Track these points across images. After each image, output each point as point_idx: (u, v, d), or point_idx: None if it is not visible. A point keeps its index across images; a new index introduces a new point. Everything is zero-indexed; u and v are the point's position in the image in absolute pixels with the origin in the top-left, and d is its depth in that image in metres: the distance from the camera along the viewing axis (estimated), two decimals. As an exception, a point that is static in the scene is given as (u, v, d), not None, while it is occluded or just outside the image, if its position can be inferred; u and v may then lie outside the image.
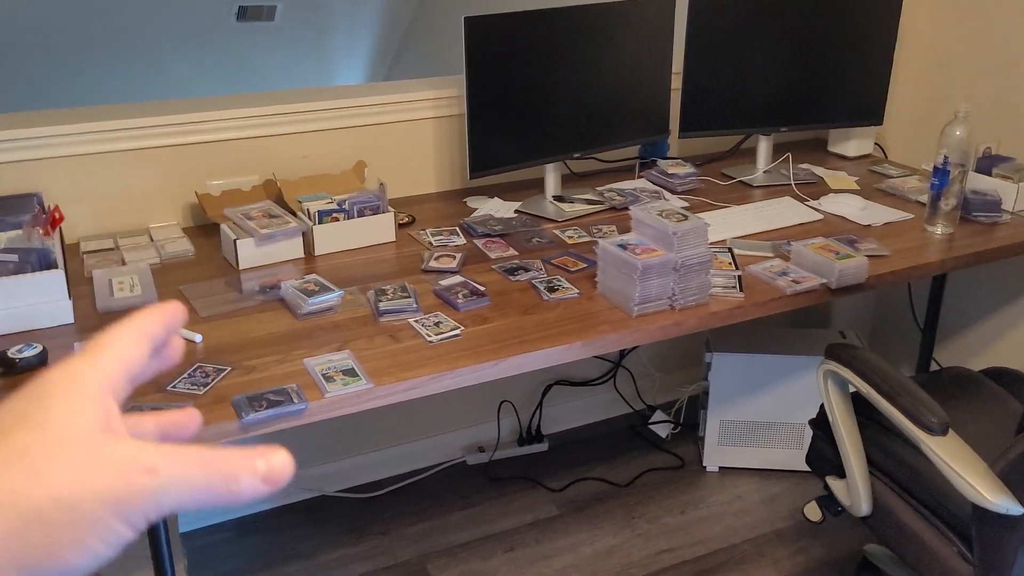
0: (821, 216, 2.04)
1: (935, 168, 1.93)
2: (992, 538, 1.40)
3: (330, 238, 1.82)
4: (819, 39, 2.26)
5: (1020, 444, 1.32)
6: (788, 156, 2.33)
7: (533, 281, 1.70)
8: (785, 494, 2.39)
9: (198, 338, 1.46)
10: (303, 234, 1.80)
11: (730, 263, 1.77)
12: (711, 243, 1.70)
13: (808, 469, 1.91)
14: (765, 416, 2.39)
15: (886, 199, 2.15)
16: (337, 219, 1.83)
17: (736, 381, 2.36)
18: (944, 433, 1.43)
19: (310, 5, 5.11)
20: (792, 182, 2.24)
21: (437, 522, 2.30)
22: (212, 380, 1.34)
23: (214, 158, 1.99)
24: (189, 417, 0.42)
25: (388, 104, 2.12)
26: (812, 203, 2.11)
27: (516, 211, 2.08)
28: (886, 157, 2.51)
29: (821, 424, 1.79)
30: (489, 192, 2.19)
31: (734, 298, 1.64)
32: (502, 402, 2.53)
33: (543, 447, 2.58)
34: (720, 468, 2.49)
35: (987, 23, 2.22)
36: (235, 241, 1.72)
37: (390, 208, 1.91)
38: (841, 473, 1.71)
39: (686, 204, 2.10)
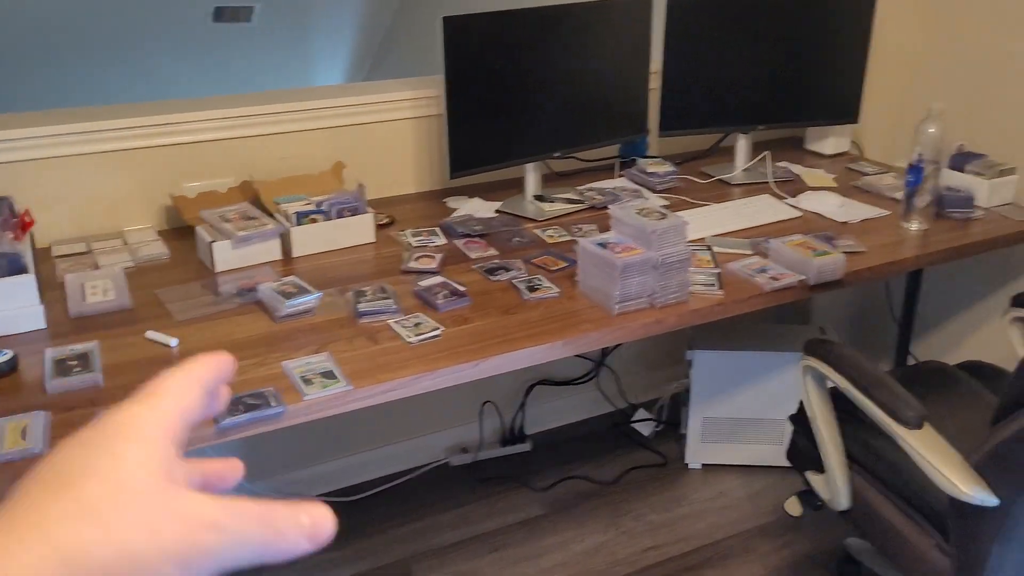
0: (799, 213, 2.05)
1: (910, 165, 1.94)
2: (968, 530, 1.42)
3: (308, 240, 1.81)
4: (795, 39, 2.28)
5: (995, 436, 1.33)
6: (766, 154, 2.35)
7: (514, 281, 1.69)
8: (768, 490, 2.40)
9: (173, 342, 1.45)
10: (281, 236, 1.79)
11: (709, 261, 1.78)
12: (691, 241, 1.71)
13: (789, 464, 1.92)
14: (747, 412, 2.40)
15: (862, 196, 2.16)
16: (315, 220, 1.82)
17: (717, 378, 2.37)
18: (920, 426, 1.44)
19: (288, 6, 5.09)
20: (770, 180, 2.25)
21: (422, 524, 2.29)
22: (189, 384, 1.33)
23: (189, 160, 1.97)
24: (232, 468, 0.41)
25: (367, 104, 2.12)
26: (790, 201, 2.13)
27: (496, 211, 2.08)
28: (862, 155, 2.53)
29: (801, 420, 1.80)
30: (469, 192, 2.19)
31: (714, 295, 1.65)
32: (485, 402, 2.53)
33: (526, 447, 2.58)
34: (703, 465, 2.50)
35: (958, 24, 2.24)
36: (211, 243, 1.71)
37: (369, 209, 1.90)
38: (821, 468, 1.72)
39: (666, 203, 2.11)
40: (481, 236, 1.92)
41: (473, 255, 1.83)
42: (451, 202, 2.13)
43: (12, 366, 1.35)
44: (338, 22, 5.37)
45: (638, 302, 1.58)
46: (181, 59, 5.12)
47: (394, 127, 2.17)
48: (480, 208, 2.09)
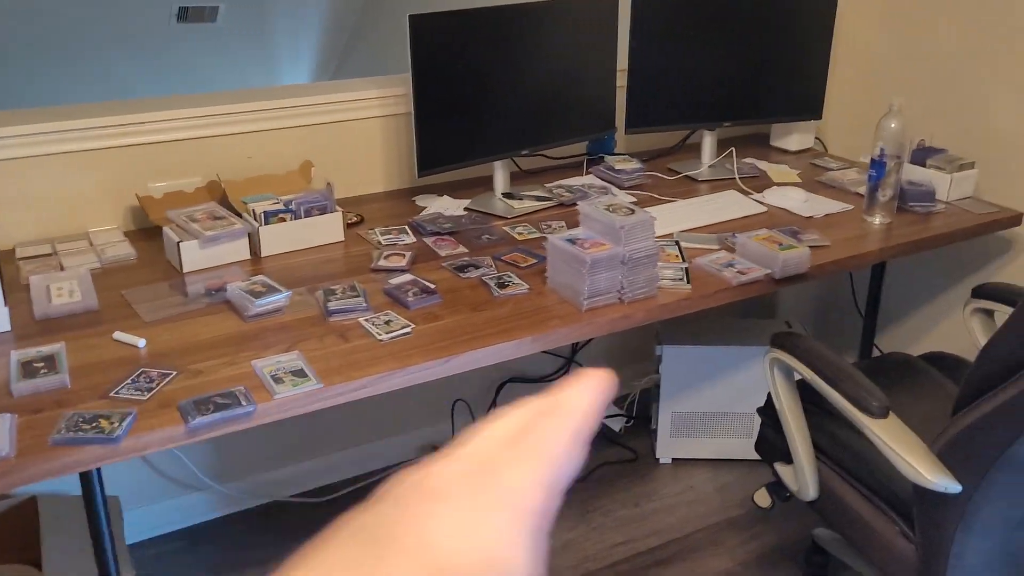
0: (765, 209, 2.08)
1: (872, 160, 1.98)
2: (932, 517, 1.45)
3: (277, 239, 1.80)
4: (760, 37, 2.31)
5: (956, 425, 1.36)
6: (732, 151, 2.37)
7: (483, 278, 1.70)
8: (737, 483, 2.43)
9: (141, 343, 1.43)
10: (249, 235, 1.78)
11: (677, 256, 1.80)
12: (658, 237, 1.72)
13: (758, 457, 1.95)
14: (716, 407, 2.43)
15: (827, 191, 2.20)
16: (284, 220, 1.81)
17: (686, 373, 2.40)
18: (885, 416, 1.47)
19: (253, 6, 5.04)
20: (736, 176, 2.28)
21: (393, 523, 2.28)
22: (157, 385, 1.31)
23: (156, 160, 1.95)
24: None
25: (334, 103, 2.11)
26: (756, 196, 2.15)
27: (465, 209, 2.08)
28: (826, 151, 2.57)
29: (769, 412, 1.83)
30: (438, 190, 2.19)
31: (682, 290, 1.67)
32: (456, 401, 2.53)
33: (498, 445, 2.58)
34: (673, 459, 2.52)
35: (918, 21, 2.29)
36: (178, 244, 1.69)
37: (338, 208, 1.89)
38: (789, 459, 1.75)
39: (634, 199, 2.12)
40: (450, 234, 1.92)
41: (443, 253, 1.83)
42: (420, 200, 2.13)
43: (-26, 369, 1.33)
44: (304, 22, 5.33)
45: (607, 297, 1.59)
46: (144, 60, 5.05)
47: (362, 126, 2.16)
48: (449, 206, 2.09)
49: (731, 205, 2.10)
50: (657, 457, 2.52)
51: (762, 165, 2.39)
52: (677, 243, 1.86)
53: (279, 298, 1.56)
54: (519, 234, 1.93)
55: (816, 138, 2.57)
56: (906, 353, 2.01)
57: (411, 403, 2.47)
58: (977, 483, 1.36)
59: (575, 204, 1.99)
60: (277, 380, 1.33)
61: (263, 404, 1.29)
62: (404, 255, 1.79)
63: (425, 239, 1.89)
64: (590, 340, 2.59)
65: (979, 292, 1.91)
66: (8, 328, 1.48)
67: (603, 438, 2.64)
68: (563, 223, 1.97)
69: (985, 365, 1.32)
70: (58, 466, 1.18)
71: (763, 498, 1.95)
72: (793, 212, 2.06)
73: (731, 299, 1.71)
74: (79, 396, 1.29)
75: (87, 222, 1.91)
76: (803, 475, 1.71)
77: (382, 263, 1.76)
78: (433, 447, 2.53)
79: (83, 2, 4.50)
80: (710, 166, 2.35)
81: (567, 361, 2.66)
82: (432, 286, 1.64)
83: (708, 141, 2.36)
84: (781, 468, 1.80)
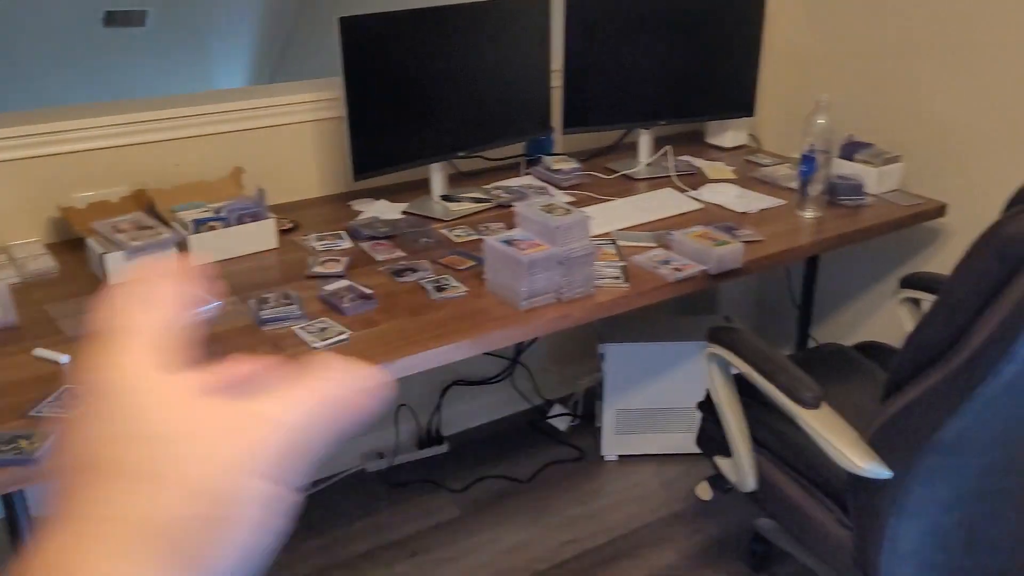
0: (700, 205, 2.10)
1: (803, 156, 2.02)
2: (866, 503, 1.48)
3: (207, 248, 1.76)
4: (692, 36, 2.33)
5: (885, 412, 1.40)
6: (668, 149, 2.40)
7: (421, 281, 1.68)
8: (681, 477, 2.46)
9: (64, 359, 1.38)
10: (177, 245, 1.73)
11: (615, 254, 1.80)
12: (596, 235, 1.73)
13: (700, 451, 1.97)
14: (659, 403, 2.45)
15: (761, 187, 2.24)
16: (214, 228, 1.77)
17: (629, 370, 2.41)
18: (818, 406, 1.50)
19: (183, 9, 4.93)
20: (673, 174, 2.31)
21: (336, 534, 2.25)
22: (81, 402, 1.27)
23: (78, 169, 1.89)
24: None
25: (264, 108, 2.07)
26: (692, 193, 2.18)
27: (403, 212, 2.06)
28: (760, 147, 2.61)
29: (708, 406, 1.85)
30: (375, 194, 2.16)
31: (619, 288, 1.67)
32: (400, 405, 2.51)
33: (443, 449, 2.57)
34: (619, 456, 2.54)
35: (843, 18, 2.34)
36: (102, 255, 1.64)
37: (271, 214, 1.86)
38: (728, 452, 1.77)
39: (571, 199, 2.13)
40: (387, 238, 1.90)
41: (380, 257, 1.81)
42: (356, 204, 2.10)
43: None
44: (237, 26, 5.23)
45: (545, 297, 1.59)
46: (69, 65, 4.89)
47: (295, 130, 2.12)
48: (386, 210, 2.07)
49: (668, 203, 2.12)
50: (603, 455, 2.54)
51: (698, 162, 2.42)
52: (614, 241, 1.87)
53: (209, 308, 1.52)
54: (457, 236, 1.91)
55: (751, 135, 2.61)
56: (840, 344, 2.06)
57: (354, 410, 2.43)
58: (907, 468, 1.39)
59: (513, 205, 1.99)
60: (208, 392, 1.30)
61: (193, 418, 1.25)
62: (340, 260, 1.77)
63: (362, 244, 1.87)
64: (534, 340, 2.59)
65: (907, 282, 1.96)
66: (-79, 348, 1.42)
67: (549, 438, 2.64)
68: (501, 224, 1.97)
69: (910, 352, 1.35)
70: (-25, 490, 1.13)
71: (705, 491, 1.97)
72: (728, 208, 2.09)
73: (668, 295, 1.73)
74: (-3, 416, 1.24)
75: (6, 235, 1.84)
76: (742, 467, 1.73)
77: (317, 269, 1.73)
78: (378, 454, 2.50)
79: (3, 6, 4.34)
80: (647, 164, 2.37)
81: (511, 362, 2.66)
82: (369, 291, 1.62)
83: (644, 140, 2.38)
84: (721, 461, 1.83)
